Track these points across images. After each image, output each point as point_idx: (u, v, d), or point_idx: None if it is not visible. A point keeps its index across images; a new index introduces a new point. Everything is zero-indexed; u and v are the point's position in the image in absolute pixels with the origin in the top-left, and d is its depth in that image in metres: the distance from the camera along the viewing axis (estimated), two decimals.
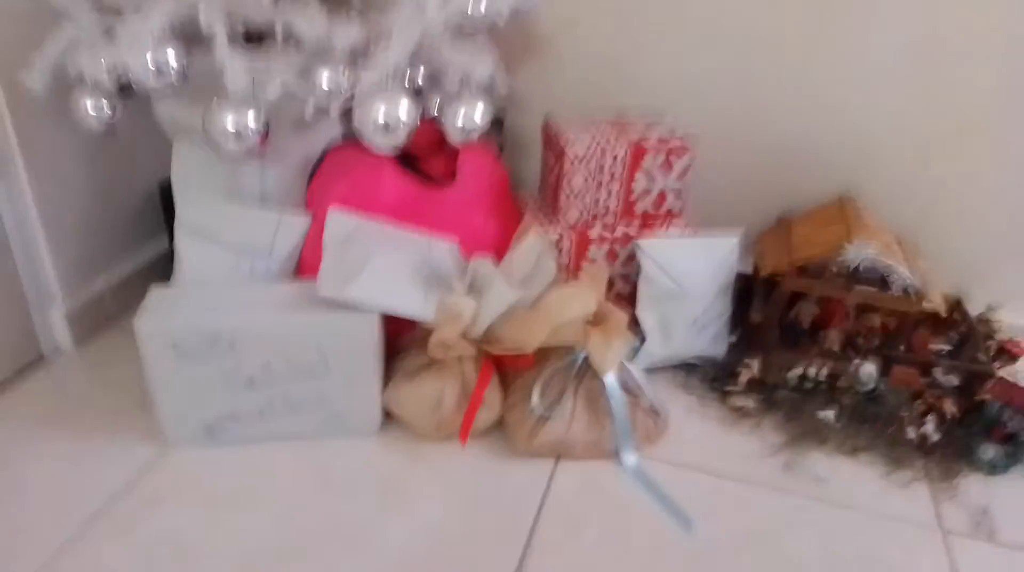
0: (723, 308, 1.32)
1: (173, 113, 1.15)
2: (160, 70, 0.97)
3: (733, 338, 1.36)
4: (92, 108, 1.08)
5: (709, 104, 1.45)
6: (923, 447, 1.19)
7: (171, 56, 0.97)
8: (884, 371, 1.27)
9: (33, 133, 1.16)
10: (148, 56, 0.95)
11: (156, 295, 1.07)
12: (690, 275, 1.26)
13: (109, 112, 1.09)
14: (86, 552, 0.93)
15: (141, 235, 1.43)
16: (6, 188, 1.16)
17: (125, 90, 1.10)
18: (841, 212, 1.33)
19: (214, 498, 1.03)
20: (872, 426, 1.22)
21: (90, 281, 1.33)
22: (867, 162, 1.43)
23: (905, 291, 1.23)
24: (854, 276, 1.24)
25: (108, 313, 1.37)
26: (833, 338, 1.33)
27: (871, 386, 1.27)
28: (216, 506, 1.02)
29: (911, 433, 1.20)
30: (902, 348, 1.31)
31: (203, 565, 0.93)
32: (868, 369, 1.27)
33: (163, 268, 1.41)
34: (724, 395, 1.28)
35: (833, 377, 1.28)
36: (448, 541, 0.99)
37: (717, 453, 1.17)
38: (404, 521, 1.01)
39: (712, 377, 1.32)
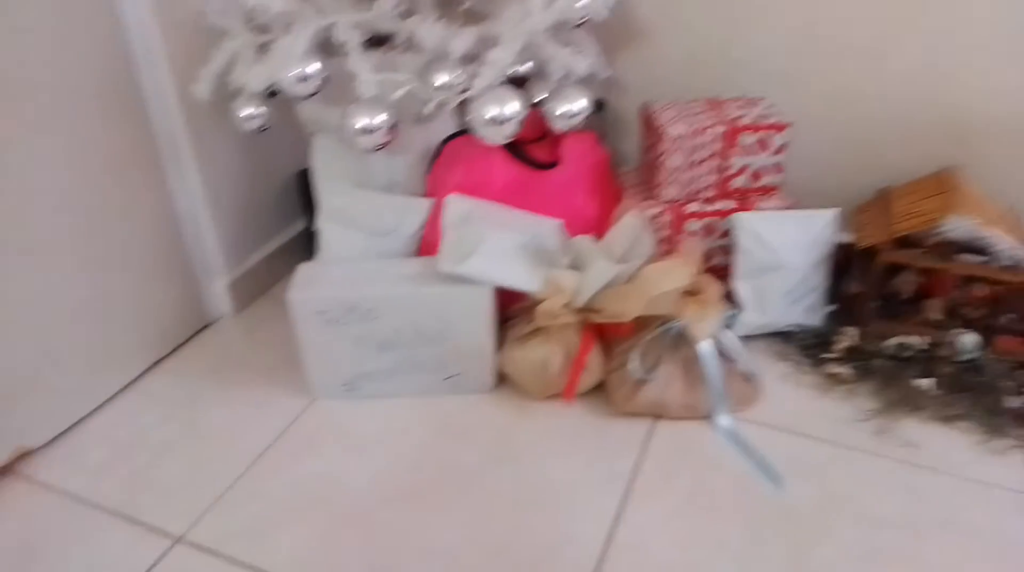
0: (820, 279, 1.36)
1: (314, 113, 1.32)
2: (305, 80, 1.13)
3: (831, 308, 1.40)
4: (248, 112, 1.27)
5: (807, 80, 1.46)
6: (1023, 417, 1.20)
7: (314, 69, 1.12)
8: (986, 342, 1.28)
9: (201, 132, 1.35)
10: (296, 70, 1.10)
11: (304, 270, 1.24)
12: (786, 248, 1.31)
13: (262, 115, 1.27)
14: (254, 485, 1.13)
15: (282, 217, 1.63)
16: (181, 178, 1.37)
17: (274, 96, 1.27)
18: (942, 184, 1.33)
19: (352, 443, 1.20)
20: (970, 396, 1.23)
21: (245, 256, 1.54)
22: (971, 135, 1.40)
23: (1010, 263, 1.23)
24: (954, 248, 1.25)
25: (260, 284, 1.57)
26: (935, 307, 1.34)
27: (972, 356, 1.28)
28: (354, 450, 1.19)
29: (1011, 403, 1.21)
30: (1007, 318, 1.30)
31: (343, 496, 1.10)
32: (970, 338, 1.28)
33: (303, 244, 1.60)
34: (819, 362, 1.32)
35: (932, 346, 1.30)
36: (553, 488, 1.11)
37: (810, 417, 1.22)
38: (514, 469, 1.14)
39: (808, 345, 1.36)
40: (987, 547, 1.00)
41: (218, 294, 1.50)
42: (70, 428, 1.24)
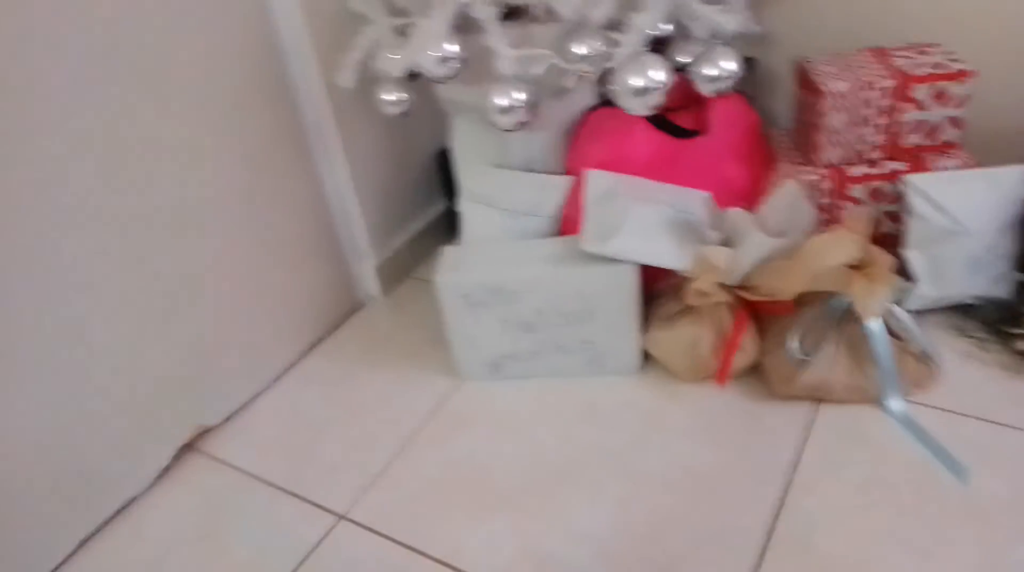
0: (1008, 245, 1.22)
1: (453, 93, 1.31)
2: (445, 62, 1.12)
3: (1020, 277, 1.24)
4: (391, 98, 1.28)
5: (989, 23, 1.29)
6: None
7: (453, 50, 1.11)
8: None
9: (346, 119, 1.39)
10: (436, 52, 1.10)
11: (448, 253, 1.25)
12: (967, 211, 1.18)
13: (405, 100, 1.28)
14: (409, 465, 1.16)
15: (424, 199, 1.65)
16: (328, 164, 1.41)
17: (414, 78, 1.28)
18: None
19: (500, 423, 1.21)
20: None
21: (391, 238, 1.58)
22: None
23: None
24: None
25: (406, 265, 1.61)
26: None
27: None
28: (502, 430, 1.19)
29: None
30: None
31: (493, 477, 1.11)
32: None
33: (443, 225, 1.62)
34: (1007, 338, 1.19)
35: None
36: (708, 473, 1.07)
37: (998, 401, 1.10)
38: (665, 453, 1.11)
39: (993, 319, 1.22)
40: None
41: (367, 276, 1.55)
42: (241, 407, 1.33)
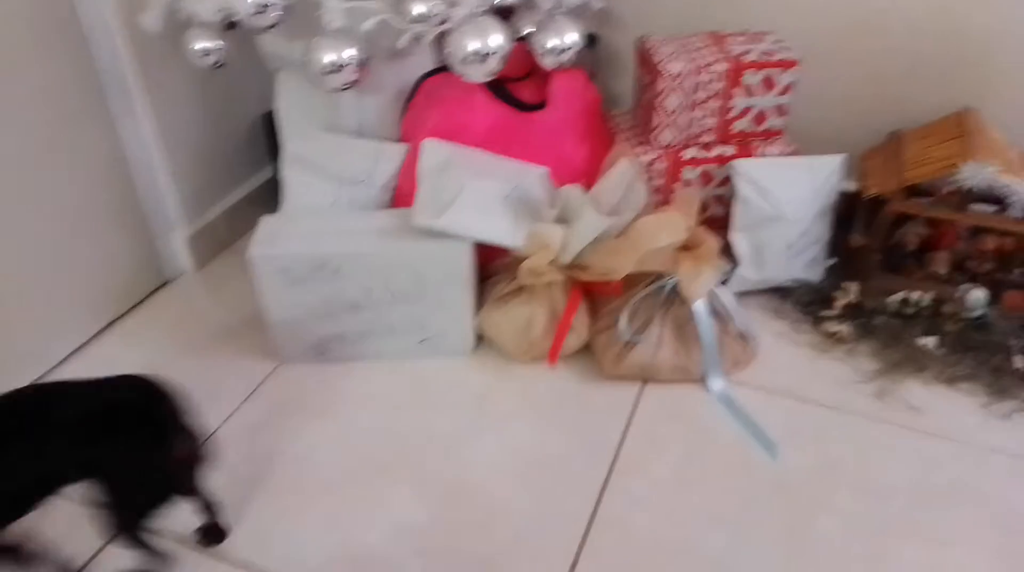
0: (822, 232, 1.28)
1: (276, 47, 1.19)
2: (263, 8, 1.00)
3: (831, 262, 1.32)
4: (202, 46, 1.14)
5: (817, 16, 1.35)
6: None
7: None
8: (994, 298, 1.22)
9: (152, 71, 1.23)
10: None
11: (266, 224, 1.14)
12: (788, 198, 1.22)
13: (218, 49, 1.15)
14: (216, 456, 1.05)
15: (248, 164, 1.51)
16: (132, 124, 1.25)
17: (232, 27, 1.14)
18: (959, 127, 1.24)
19: (320, 410, 1.13)
20: (976, 355, 1.18)
21: (206, 208, 1.43)
22: (991, 75, 1.31)
23: None
24: (968, 197, 1.18)
25: (222, 238, 1.47)
26: (941, 261, 1.27)
27: (979, 313, 1.21)
28: (325, 417, 1.11)
29: (1019, 363, 1.15)
30: (1018, 273, 1.24)
31: (315, 469, 1.03)
32: (977, 294, 1.21)
33: (269, 195, 1.49)
34: (818, 320, 1.26)
35: (937, 302, 1.24)
36: (536, 456, 1.05)
37: (807, 379, 1.16)
38: (495, 436, 1.08)
39: (806, 302, 1.29)
40: (995, 516, 0.96)
41: (176, 249, 1.40)
42: None
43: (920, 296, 1.24)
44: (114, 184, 1.26)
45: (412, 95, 1.24)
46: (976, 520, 0.95)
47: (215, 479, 0.91)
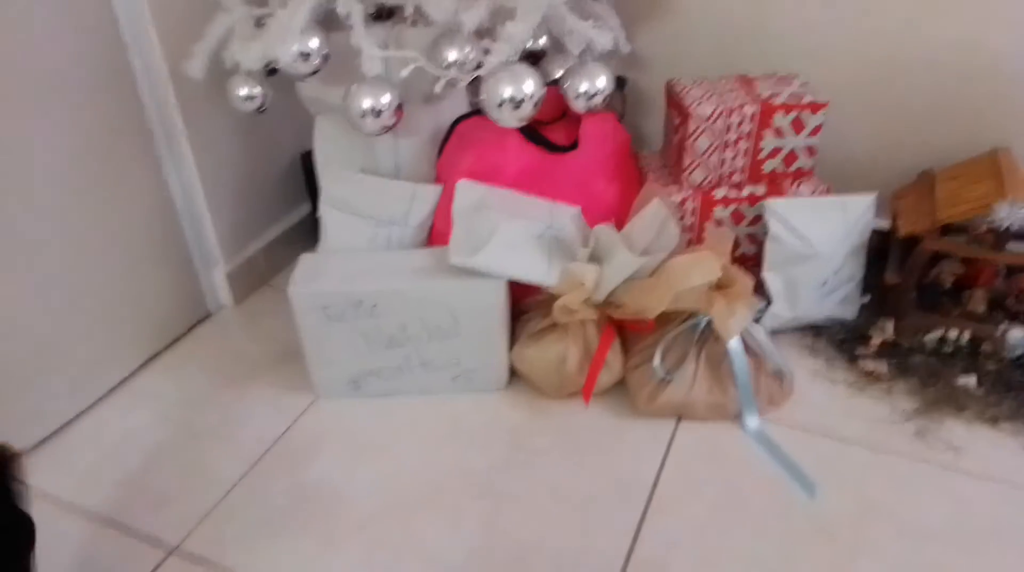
0: (855, 270, 1.28)
1: (315, 92, 1.23)
2: (305, 57, 1.04)
3: (865, 300, 1.31)
4: (245, 92, 1.19)
5: (843, 57, 1.36)
6: None
7: (314, 45, 1.04)
8: None
9: (196, 114, 1.28)
10: (295, 47, 1.02)
11: (305, 262, 1.17)
12: (820, 236, 1.22)
13: (260, 95, 1.19)
14: (252, 491, 1.06)
15: (286, 202, 1.55)
16: (175, 164, 1.29)
17: (273, 74, 1.19)
18: (993, 166, 1.24)
19: (358, 445, 1.13)
20: (1017, 395, 1.16)
21: (245, 244, 1.47)
22: (1020, 112, 1.30)
23: None
24: (1005, 235, 1.17)
25: (261, 273, 1.50)
26: (978, 299, 1.26)
27: (1020, 352, 1.20)
28: (360, 452, 1.12)
29: None
30: None
31: (350, 504, 1.04)
32: (1017, 333, 1.20)
33: (306, 232, 1.53)
34: (854, 359, 1.25)
35: (976, 341, 1.22)
36: (570, 494, 1.04)
37: (844, 418, 1.15)
38: (526, 474, 1.07)
39: (841, 340, 1.28)
40: None
41: (216, 284, 1.43)
42: (58, 429, 1.17)
43: (958, 334, 1.23)
44: (158, 222, 1.29)
45: (447, 138, 1.27)
46: (1019, 563, 0.93)
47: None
